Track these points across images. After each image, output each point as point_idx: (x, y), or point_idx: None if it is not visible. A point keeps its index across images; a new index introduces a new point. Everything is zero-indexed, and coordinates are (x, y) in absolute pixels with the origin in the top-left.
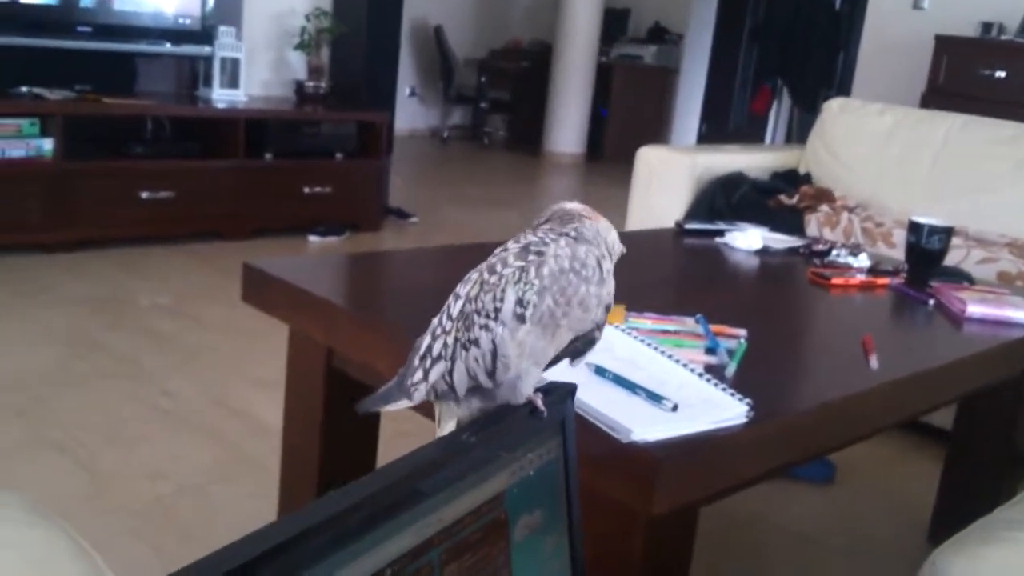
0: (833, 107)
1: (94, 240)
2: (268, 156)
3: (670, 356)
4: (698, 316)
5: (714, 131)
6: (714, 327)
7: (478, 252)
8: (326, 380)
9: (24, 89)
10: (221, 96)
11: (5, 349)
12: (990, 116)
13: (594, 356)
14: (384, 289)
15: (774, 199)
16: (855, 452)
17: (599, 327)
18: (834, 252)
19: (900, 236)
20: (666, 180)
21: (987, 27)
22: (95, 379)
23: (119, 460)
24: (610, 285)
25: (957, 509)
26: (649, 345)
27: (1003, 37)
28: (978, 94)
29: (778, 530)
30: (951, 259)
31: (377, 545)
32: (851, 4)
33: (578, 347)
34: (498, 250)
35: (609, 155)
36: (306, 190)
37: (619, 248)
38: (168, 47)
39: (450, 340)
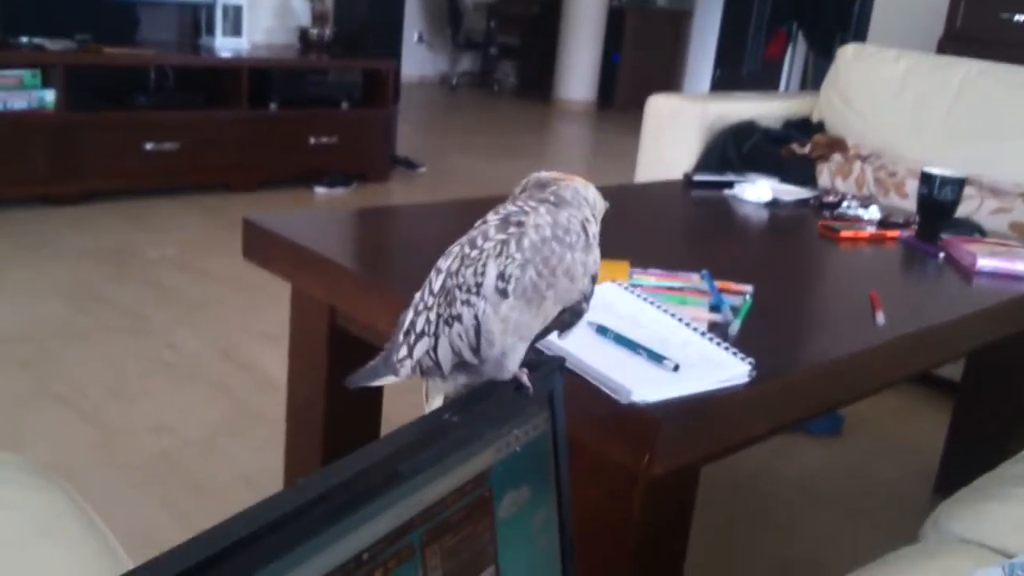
0: (847, 53)
1: (99, 192)
2: (273, 106)
3: (673, 314)
4: (703, 272)
5: (728, 77)
6: (720, 283)
7: (485, 207)
8: (329, 338)
9: (24, 39)
10: (224, 44)
11: (10, 301)
12: (1009, 62)
13: (596, 314)
14: (388, 246)
15: (786, 148)
16: (863, 404)
17: (587, 298)
18: (844, 204)
19: (913, 186)
20: (676, 129)
21: None
22: (100, 332)
23: (124, 414)
24: (596, 252)
25: (964, 461)
26: (652, 303)
27: None
28: (997, 39)
29: (785, 482)
30: (964, 209)
31: (354, 530)
32: None
33: (565, 319)
34: (479, 222)
35: (621, 102)
36: (312, 141)
37: (602, 204)
38: None
39: (432, 316)
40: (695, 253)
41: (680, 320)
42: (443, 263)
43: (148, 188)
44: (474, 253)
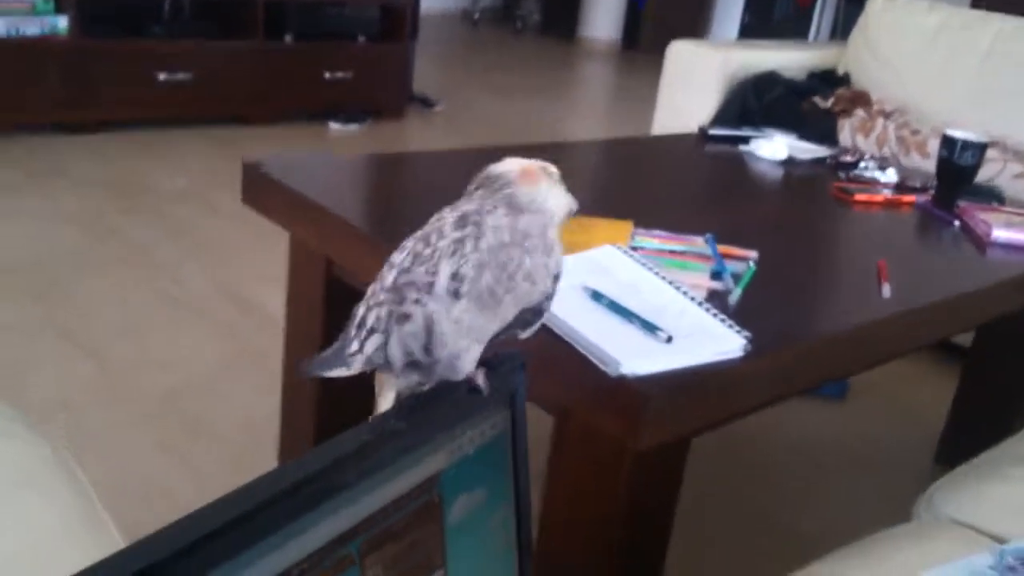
0: (877, 3)
1: (112, 121)
2: (288, 38)
3: (671, 282)
4: (707, 236)
5: (758, 24)
6: (724, 248)
7: (493, 158)
8: (326, 288)
9: None
10: None
11: (22, 231)
12: None
13: (592, 278)
14: (388, 196)
15: (808, 101)
16: None
17: (548, 297)
18: (861, 165)
19: (936, 146)
20: (697, 78)
21: None
22: (108, 265)
23: (128, 350)
24: (557, 252)
25: (967, 432)
26: (650, 269)
27: None
28: None
29: (785, 445)
30: (985, 172)
31: (287, 542)
32: None
33: (527, 318)
34: (434, 217)
35: (646, 44)
36: (327, 75)
37: (564, 210)
38: None
39: (383, 313)
40: (703, 213)
41: (678, 288)
42: (396, 257)
43: (161, 119)
44: (427, 251)
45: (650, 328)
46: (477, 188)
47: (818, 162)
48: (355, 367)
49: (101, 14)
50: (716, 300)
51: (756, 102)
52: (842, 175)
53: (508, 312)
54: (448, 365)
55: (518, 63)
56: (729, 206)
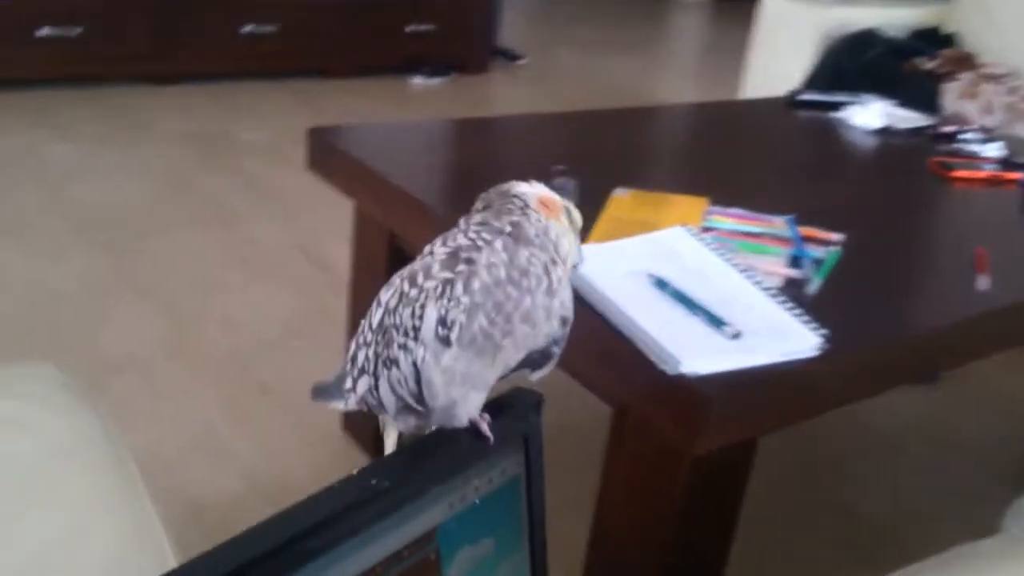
0: None
1: (197, 74)
2: None
3: (743, 270)
4: (789, 217)
5: None
6: (806, 230)
7: (576, 124)
8: (389, 257)
9: None
10: None
11: (102, 183)
12: None
13: (657, 264)
14: (455, 168)
15: (909, 62)
16: None
17: (556, 342)
18: (964, 136)
19: None
20: (791, 37)
21: None
22: (185, 220)
23: (199, 307)
24: (564, 294)
25: None
26: (721, 255)
27: None
28: None
29: (864, 431)
30: None
31: None
32: None
33: (535, 358)
34: (425, 250)
35: None
36: (409, 28)
37: (575, 257)
38: None
39: (371, 354)
40: (786, 189)
41: (750, 278)
42: (384, 295)
43: (244, 72)
44: (413, 292)
45: (716, 322)
46: (485, 207)
47: (916, 132)
48: (350, 404)
49: None
50: (793, 290)
51: (853, 63)
52: (942, 147)
53: (510, 357)
54: (444, 414)
55: (608, 15)
56: (815, 181)
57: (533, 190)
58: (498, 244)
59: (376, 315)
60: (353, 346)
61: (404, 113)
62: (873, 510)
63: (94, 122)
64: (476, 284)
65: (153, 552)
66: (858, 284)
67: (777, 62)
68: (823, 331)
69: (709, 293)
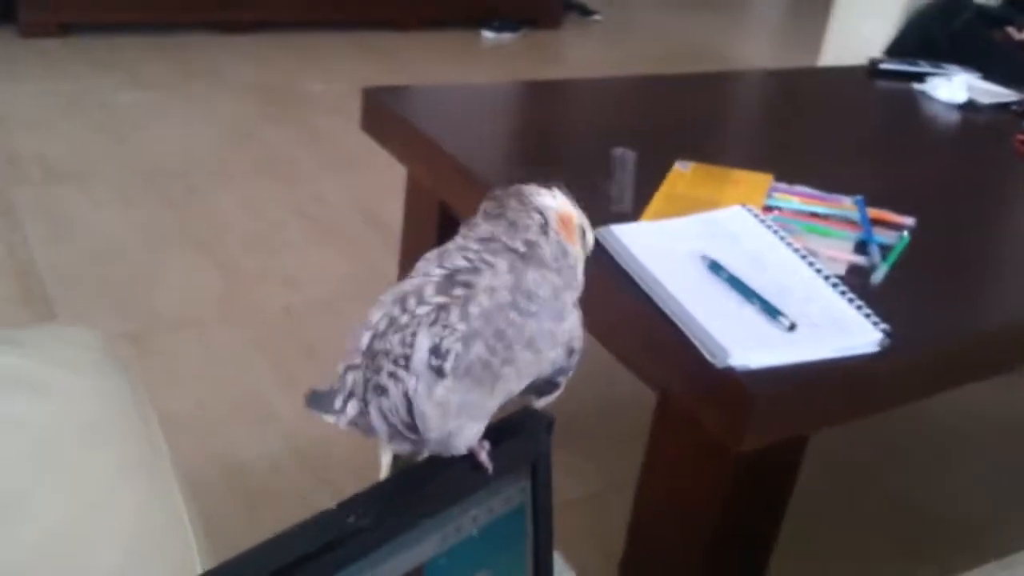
0: None
1: (268, 23)
2: None
3: (804, 255)
4: (857, 198)
5: None
6: (876, 212)
7: (641, 90)
8: (440, 226)
9: None
10: None
11: (168, 132)
12: None
13: (713, 246)
14: (514, 138)
15: (1002, 31)
16: None
17: (562, 371)
18: None
19: None
20: (875, 0)
21: None
22: (248, 173)
23: (256, 265)
24: (572, 318)
25: None
26: (782, 238)
27: None
28: None
29: (930, 420)
30: None
31: None
32: None
33: (540, 385)
34: (418, 267)
35: None
36: None
37: (582, 282)
38: None
39: (359, 378)
40: (858, 166)
41: (811, 264)
42: (373, 315)
43: (315, 21)
44: (404, 318)
45: (771, 312)
46: (498, 215)
47: (1002, 107)
48: (342, 424)
49: None
50: (856, 278)
51: (941, 30)
52: None
53: (512, 385)
54: (440, 444)
55: None
56: (890, 159)
57: (555, 203)
58: (502, 265)
59: (364, 337)
60: (342, 365)
61: (472, 69)
62: (933, 505)
63: (163, 70)
64: (474, 310)
65: (173, 528)
66: (927, 274)
67: (861, 25)
68: (884, 326)
69: (765, 280)
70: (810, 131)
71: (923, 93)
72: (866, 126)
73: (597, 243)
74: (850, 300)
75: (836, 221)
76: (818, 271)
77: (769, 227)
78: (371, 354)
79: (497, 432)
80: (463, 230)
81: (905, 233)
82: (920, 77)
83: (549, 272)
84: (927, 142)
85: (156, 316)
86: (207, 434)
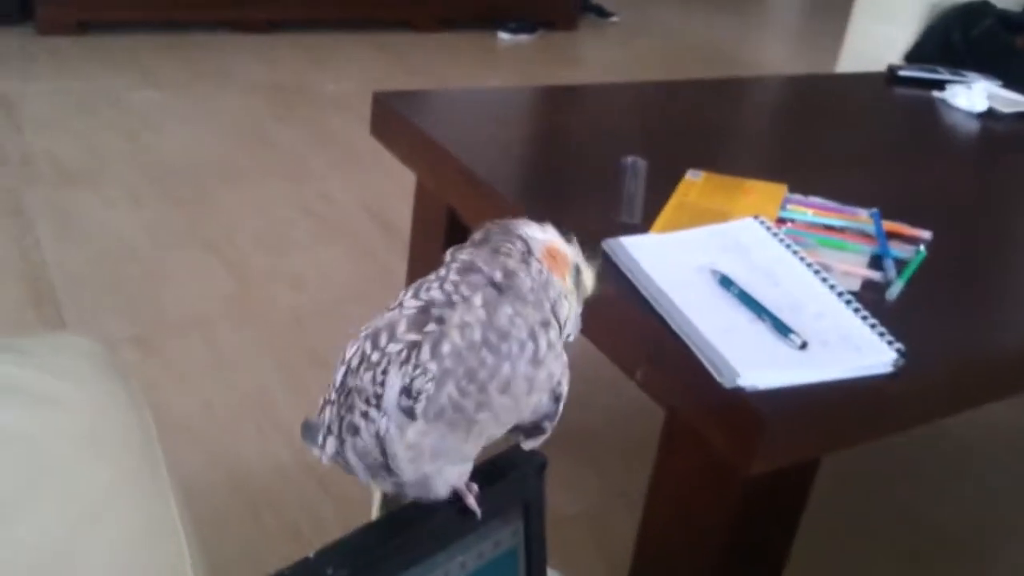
0: None
1: (283, 22)
2: None
3: (817, 271)
4: (873, 211)
5: None
6: (892, 225)
7: (655, 96)
8: (447, 232)
9: None
10: None
11: (180, 132)
12: None
13: (724, 259)
14: (523, 145)
15: (1022, 37)
16: None
17: (548, 416)
18: None
19: None
20: (895, 5)
21: None
22: (259, 173)
23: (264, 265)
24: (553, 365)
25: None
26: (795, 252)
27: None
28: None
29: (945, 435)
30: None
31: None
32: None
33: (526, 428)
34: (397, 298)
35: None
36: None
37: (573, 325)
38: None
39: (334, 414)
40: (874, 177)
41: (824, 279)
42: (348, 349)
43: (328, 21)
44: (375, 355)
45: (783, 330)
46: (482, 242)
47: (1022, 117)
48: (324, 460)
49: None
50: (871, 293)
51: (961, 35)
52: None
53: (490, 430)
54: (418, 486)
55: None
56: (907, 169)
57: (543, 236)
58: (477, 299)
59: (338, 373)
60: (322, 400)
61: (487, 70)
62: (944, 521)
63: (176, 69)
64: (446, 348)
65: (166, 542)
66: (943, 290)
67: (880, 29)
68: (899, 345)
69: (777, 295)
70: (826, 139)
71: (943, 101)
72: (883, 135)
73: (605, 254)
74: (864, 318)
75: (851, 234)
76: (832, 287)
77: (782, 240)
78: (344, 391)
79: (486, 473)
80: (447, 257)
81: (922, 247)
82: (940, 85)
83: (525, 307)
84: (945, 152)
85: (164, 317)
86: (213, 436)
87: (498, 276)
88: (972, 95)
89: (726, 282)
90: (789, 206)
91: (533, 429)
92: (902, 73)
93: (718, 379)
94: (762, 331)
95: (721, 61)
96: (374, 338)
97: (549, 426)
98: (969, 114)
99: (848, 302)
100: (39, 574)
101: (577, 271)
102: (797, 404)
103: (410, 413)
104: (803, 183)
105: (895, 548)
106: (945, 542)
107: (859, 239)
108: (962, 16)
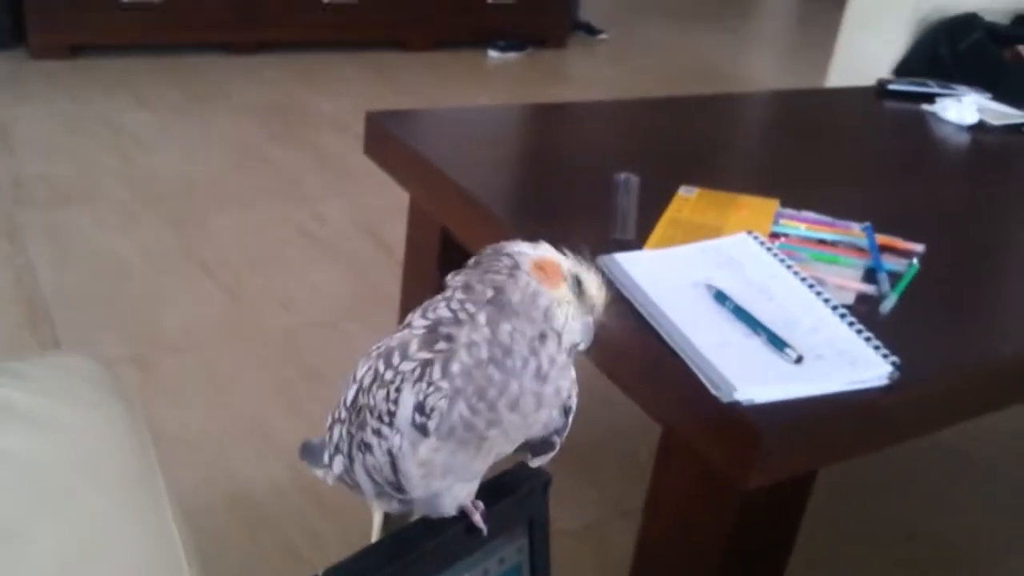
0: None
1: (274, 43)
2: None
3: (811, 285)
4: (866, 225)
5: None
6: (885, 238)
7: (646, 113)
8: (441, 254)
9: None
10: None
11: (175, 153)
12: None
13: (719, 274)
14: (516, 163)
15: (1011, 50)
16: None
17: (557, 431)
18: None
19: None
20: (884, 17)
21: None
22: (254, 194)
23: (259, 285)
24: (560, 380)
25: None
26: (789, 267)
27: None
28: None
29: (957, 458)
30: None
31: None
32: None
33: (535, 444)
34: (405, 323)
35: None
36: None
37: (576, 336)
38: None
39: (345, 433)
40: (866, 190)
41: (819, 294)
42: (360, 369)
43: (322, 42)
44: (388, 374)
45: (778, 344)
46: (476, 263)
47: (1013, 129)
48: (329, 480)
49: None
50: (865, 307)
51: (949, 49)
52: None
53: (500, 447)
54: (427, 504)
55: None
56: (898, 182)
57: (532, 251)
58: (481, 317)
59: (350, 392)
60: (330, 418)
61: (477, 88)
62: (943, 531)
63: (171, 91)
64: (455, 367)
65: (168, 565)
66: (937, 302)
67: (869, 42)
68: (894, 358)
69: (772, 310)
70: (817, 154)
71: (933, 115)
72: (875, 149)
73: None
74: (859, 331)
75: (844, 248)
76: (826, 301)
77: (775, 255)
78: (355, 409)
79: (492, 491)
80: (449, 278)
81: (914, 260)
82: (930, 98)
83: (520, 321)
84: (936, 165)
85: (160, 338)
86: (209, 457)
87: (489, 293)
88: (962, 108)
89: (721, 297)
90: (782, 221)
91: (542, 444)
92: (892, 87)
93: (715, 394)
94: (758, 346)
95: (711, 76)
96: (387, 357)
97: (558, 440)
98: (959, 127)
99: (843, 316)
100: None
101: (578, 281)
102: (793, 418)
103: (423, 430)
104: (795, 198)
105: (892, 558)
106: (942, 551)
107: (852, 253)
108: (950, 29)
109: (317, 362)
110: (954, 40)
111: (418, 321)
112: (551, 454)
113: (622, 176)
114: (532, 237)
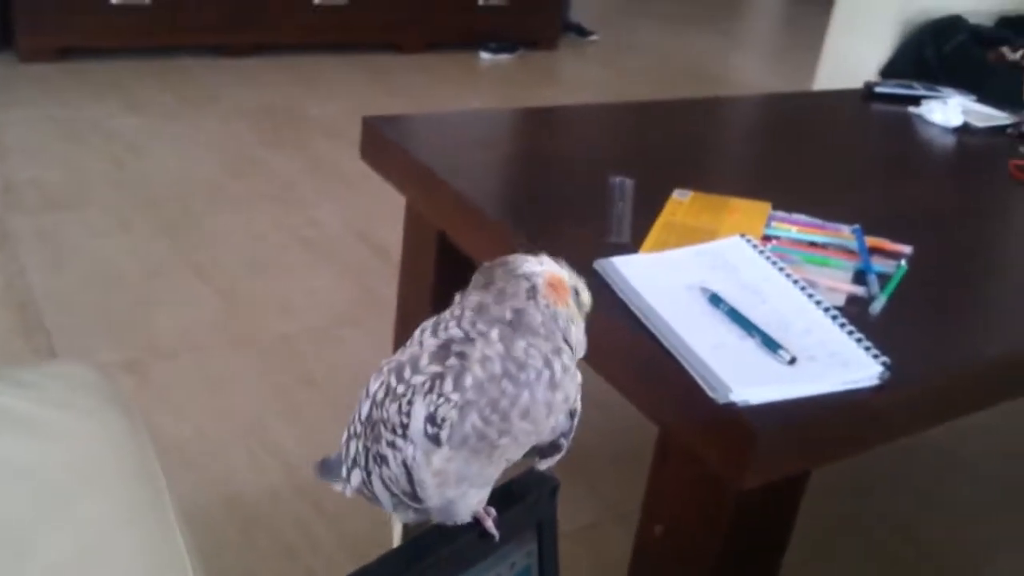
0: None
1: (267, 46)
2: None
3: (803, 287)
4: (855, 227)
5: None
6: (874, 240)
7: (638, 116)
8: (438, 258)
9: None
10: None
11: (167, 158)
12: None
13: (713, 277)
14: (512, 166)
15: (995, 52)
16: None
17: (565, 434)
18: None
19: None
20: (870, 21)
21: None
22: (246, 199)
23: (255, 290)
24: (569, 387)
25: None
26: (781, 269)
27: None
28: None
29: (948, 459)
30: None
31: None
32: None
33: (543, 448)
34: (415, 337)
35: None
36: (481, 1)
37: (584, 342)
38: None
39: (361, 447)
40: (855, 192)
41: (810, 296)
42: (372, 384)
43: (315, 44)
44: (400, 388)
45: (772, 346)
46: (487, 284)
47: (998, 131)
48: (348, 493)
49: None
50: (855, 308)
51: (934, 51)
52: (1023, 149)
53: (511, 453)
54: (443, 511)
55: None
56: (886, 184)
57: (543, 268)
58: (494, 334)
59: (364, 406)
60: (345, 434)
61: (468, 91)
62: (933, 531)
63: (163, 94)
64: (468, 380)
65: (174, 569)
66: (925, 303)
67: (855, 47)
68: (884, 358)
69: (765, 311)
70: (807, 157)
71: (919, 117)
72: (862, 151)
73: (597, 274)
74: (850, 332)
75: (834, 250)
76: (818, 303)
77: (768, 258)
78: (370, 423)
79: (502, 498)
80: (457, 299)
81: (903, 262)
82: (916, 100)
83: (537, 339)
84: (923, 167)
85: (155, 344)
86: (205, 464)
87: (508, 316)
88: (948, 110)
89: (716, 300)
90: (774, 223)
91: (550, 448)
92: (878, 89)
93: (711, 395)
94: (752, 347)
95: (701, 78)
96: (398, 372)
97: (565, 443)
98: (945, 129)
99: (834, 317)
100: None
101: (576, 293)
102: (788, 418)
103: (436, 440)
104: (786, 200)
105: (883, 554)
106: (932, 548)
107: (842, 255)
108: (935, 32)
109: (312, 366)
110: (939, 42)
111: (428, 340)
112: (559, 456)
113: (617, 180)
114: (529, 240)
